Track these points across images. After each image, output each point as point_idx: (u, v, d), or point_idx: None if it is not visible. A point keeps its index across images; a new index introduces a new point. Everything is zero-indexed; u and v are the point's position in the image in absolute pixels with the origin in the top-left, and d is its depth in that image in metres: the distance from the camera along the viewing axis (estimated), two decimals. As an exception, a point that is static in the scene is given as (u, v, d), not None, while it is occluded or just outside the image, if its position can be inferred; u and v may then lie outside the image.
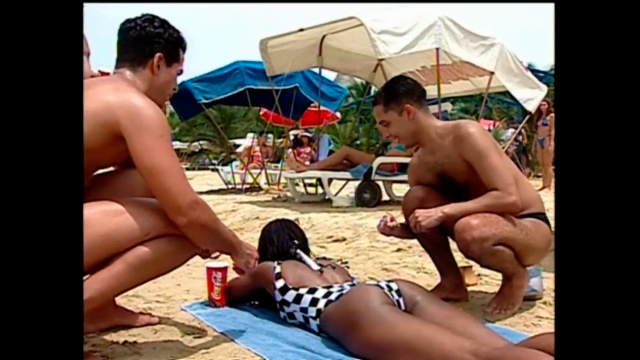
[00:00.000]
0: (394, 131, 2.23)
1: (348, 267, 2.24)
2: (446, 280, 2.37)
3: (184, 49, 1.79)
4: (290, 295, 1.90)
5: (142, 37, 1.68)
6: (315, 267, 2.00)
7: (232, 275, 2.23)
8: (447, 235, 2.26)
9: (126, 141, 1.51)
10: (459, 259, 2.38)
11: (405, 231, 2.28)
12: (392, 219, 2.25)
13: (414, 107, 2.19)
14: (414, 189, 2.32)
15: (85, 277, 1.52)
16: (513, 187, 2.04)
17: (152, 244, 1.56)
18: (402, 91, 2.21)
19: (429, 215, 2.04)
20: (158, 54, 1.69)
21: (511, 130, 11.49)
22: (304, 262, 2.05)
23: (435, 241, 2.33)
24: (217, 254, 1.92)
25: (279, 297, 1.94)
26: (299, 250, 2.12)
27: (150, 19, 1.71)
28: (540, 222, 2.15)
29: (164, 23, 1.72)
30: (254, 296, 2.19)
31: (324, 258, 2.27)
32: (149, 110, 1.53)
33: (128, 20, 1.71)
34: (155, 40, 1.69)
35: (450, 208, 2.05)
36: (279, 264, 2.00)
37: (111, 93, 1.54)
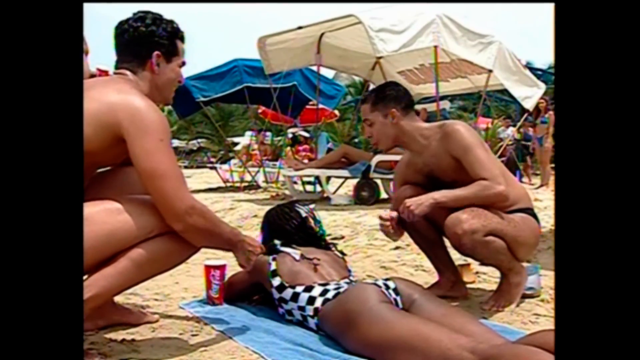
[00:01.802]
0: (374, 131, 2.27)
1: (345, 255, 2.22)
2: (444, 278, 2.38)
3: (182, 40, 1.76)
4: (287, 294, 1.90)
5: (136, 39, 1.67)
6: (297, 257, 1.99)
7: (230, 273, 2.23)
8: (441, 233, 2.28)
9: (127, 143, 1.51)
10: (458, 256, 2.38)
11: (398, 229, 2.27)
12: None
13: (399, 113, 2.23)
14: (403, 189, 2.33)
15: (88, 275, 1.53)
16: (500, 178, 2.08)
17: (156, 241, 1.57)
18: (392, 95, 2.26)
19: (420, 203, 2.05)
20: (155, 53, 1.67)
21: (511, 128, 11.47)
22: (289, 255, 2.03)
23: (429, 239, 2.34)
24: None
25: (276, 295, 1.94)
26: (279, 248, 2.09)
27: (142, 17, 1.68)
28: (528, 217, 2.18)
29: (155, 19, 1.69)
30: (253, 291, 2.19)
31: (326, 245, 2.23)
32: (150, 113, 1.54)
33: (121, 23, 1.69)
34: (150, 40, 1.67)
35: (441, 194, 2.07)
36: (274, 259, 2.00)
37: (114, 94, 1.54)
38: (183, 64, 1.77)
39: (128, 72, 1.67)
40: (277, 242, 2.13)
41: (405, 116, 2.25)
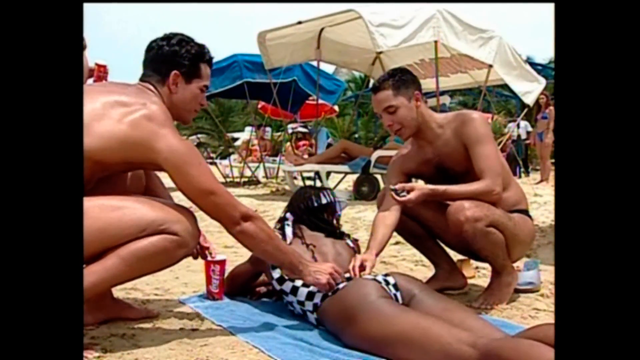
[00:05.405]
0: (400, 118, 2.15)
1: (356, 240, 2.21)
2: (439, 270, 2.39)
3: (208, 63, 1.79)
4: (287, 287, 1.90)
5: (159, 57, 1.73)
6: (289, 239, 2.00)
7: (229, 268, 2.23)
8: (427, 230, 2.32)
9: (168, 172, 1.59)
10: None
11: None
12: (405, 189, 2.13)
13: (421, 97, 2.19)
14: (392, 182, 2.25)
15: None
16: (500, 179, 2.08)
17: (147, 240, 1.57)
18: (411, 79, 2.19)
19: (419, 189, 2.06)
20: (174, 72, 1.71)
21: (511, 124, 11.47)
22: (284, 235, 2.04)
23: (416, 234, 2.35)
24: (214, 254, 2.08)
25: (277, 287, 1.95)
26: (287, 224, 2.09)
27: (170, 36, 1.75)
28: (526, 218, 2.21)
29: (182, 40, 1.74)
30: (256, 279, 2.21)
31: (339, 235, 2.18)
32: (183, 146, 1.61)
33: (152, 41, 1.76)
34: (171, 59, 1.72)
35: (437, 186, 2.10)
36: None
37: (150, 124, 1.58)
38: (205, 87, 1.79)
39: (151, 87, 1.72)
40: (288, 216, 2.13)
41: (422, 99, 2.20)
